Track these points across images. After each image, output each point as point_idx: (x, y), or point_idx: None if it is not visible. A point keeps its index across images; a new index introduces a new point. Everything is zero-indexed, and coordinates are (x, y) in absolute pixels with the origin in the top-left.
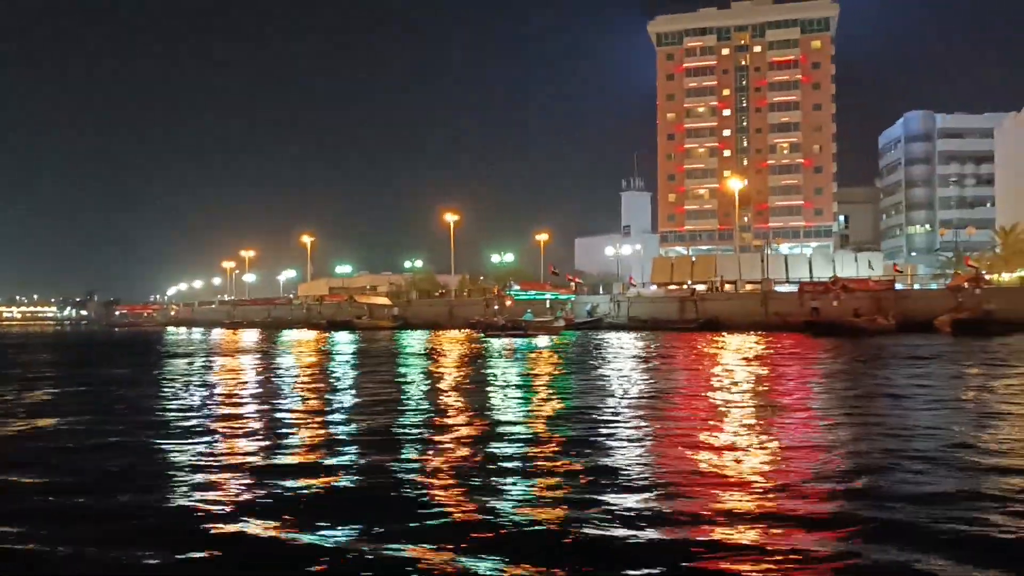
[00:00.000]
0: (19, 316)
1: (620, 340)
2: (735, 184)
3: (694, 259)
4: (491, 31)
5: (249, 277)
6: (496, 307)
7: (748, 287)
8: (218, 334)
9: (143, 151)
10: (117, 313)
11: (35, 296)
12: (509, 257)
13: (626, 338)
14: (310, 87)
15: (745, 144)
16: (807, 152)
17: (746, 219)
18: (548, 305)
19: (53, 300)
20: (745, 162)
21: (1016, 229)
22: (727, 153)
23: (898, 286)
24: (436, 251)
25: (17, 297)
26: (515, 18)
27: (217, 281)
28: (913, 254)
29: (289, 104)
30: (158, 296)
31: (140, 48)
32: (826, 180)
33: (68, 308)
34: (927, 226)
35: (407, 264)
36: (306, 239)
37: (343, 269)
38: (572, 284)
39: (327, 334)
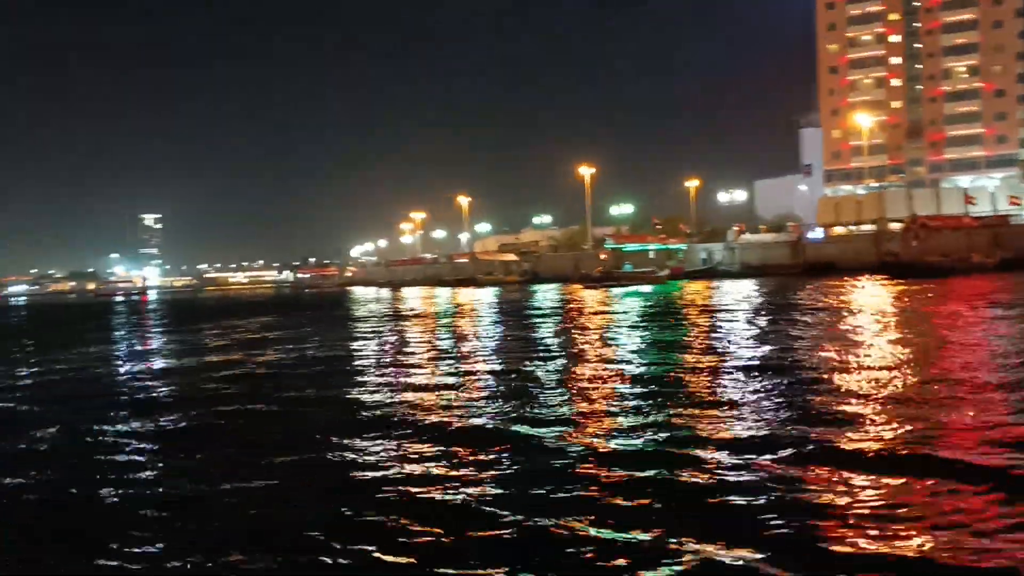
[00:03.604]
0: (244, 280)
1: (721, 287)
2: (863, 120)
3: (861, 197)
4: None
5: (407, 239)
6: (603, 257)
7: (865, 228)
8: (366, 294)
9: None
10: (303, 276)
11: (260, 261)
12: (628, 208)
13: (727, 285)
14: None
15: (916, 71)
16: (987, 75)
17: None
18: (652, 256)
19: (276, 264)
20: (918, 89)
21: None
22: (896, 83)
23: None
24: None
25: (244, 263)
26: None
27: (383, 243)
28: None
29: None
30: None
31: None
32: (1009, 104)
33: (285, 272)
34: None
35: (536, 221)
36: (462, 200)
37: (483, 228)
38: (683, 234)
39: (456, 291)
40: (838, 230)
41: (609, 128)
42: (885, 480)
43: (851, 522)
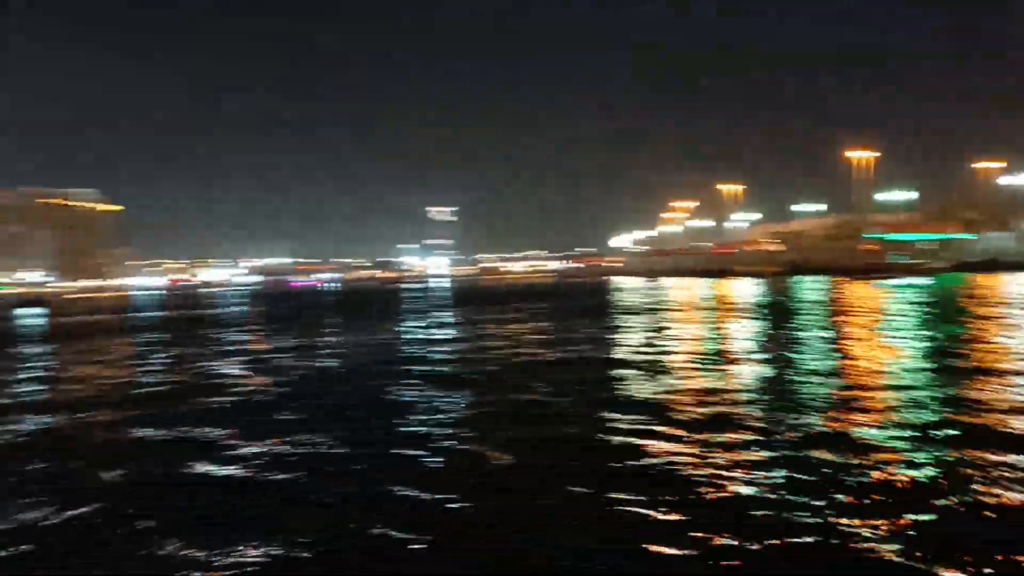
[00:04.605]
0: (521, 269)
1: (1009, 280)
2: None
3: None
4: None
5: (671, 228)
6: (874, 247)
7: None
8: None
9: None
10: (572, 265)
11: (535, 251)
12: (904, 195)
13: (1015, 278)
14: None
15: None
16: None
17: None
18: (929, 246)
19: (548, 254)
20: None
21: None
22: None
23: None
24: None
25: (521, 253)
26: None
27: (649, 233)
28: None
29: None
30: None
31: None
32: None
33: (557, 261)
34: None
35: (804, 209)
36: (728, 189)
37: (738, 216)
38: (965, 221)
39: (718, 281)
40: None
41: (888, 110)
42: None
43: None
